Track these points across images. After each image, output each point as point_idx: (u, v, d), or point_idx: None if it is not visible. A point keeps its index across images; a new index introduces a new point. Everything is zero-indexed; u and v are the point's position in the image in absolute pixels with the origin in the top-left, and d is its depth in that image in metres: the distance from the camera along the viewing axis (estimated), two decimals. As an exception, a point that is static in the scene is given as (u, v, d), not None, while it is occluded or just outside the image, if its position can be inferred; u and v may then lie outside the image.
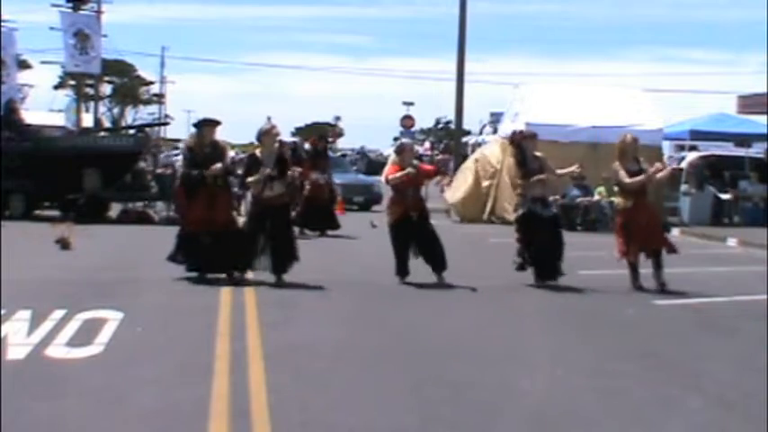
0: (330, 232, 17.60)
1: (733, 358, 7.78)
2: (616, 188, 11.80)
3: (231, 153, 20.98)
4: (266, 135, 11.21)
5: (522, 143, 11.64)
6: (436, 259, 11.25)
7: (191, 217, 11.18)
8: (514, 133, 12.33)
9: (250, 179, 10.97)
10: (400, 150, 11.73)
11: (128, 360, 6.99)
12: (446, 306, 10.04)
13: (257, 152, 11.26)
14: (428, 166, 11.60)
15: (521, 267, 11.35)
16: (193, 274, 11.03)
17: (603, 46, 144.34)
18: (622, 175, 11.19)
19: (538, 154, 11.64)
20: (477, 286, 11.22)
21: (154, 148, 29.26)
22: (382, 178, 11.72)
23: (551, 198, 13.93)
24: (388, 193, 12.31)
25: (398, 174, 11.16)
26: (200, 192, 11.01)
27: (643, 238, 11.18)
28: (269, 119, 11.49)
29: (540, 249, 11.20)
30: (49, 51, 50.48)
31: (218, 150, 11.32)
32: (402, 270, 11.28)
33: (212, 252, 10.88)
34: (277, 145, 11.40)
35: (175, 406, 5.81)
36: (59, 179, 19.54)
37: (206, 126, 11.36)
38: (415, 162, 11.55)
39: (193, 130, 11.61)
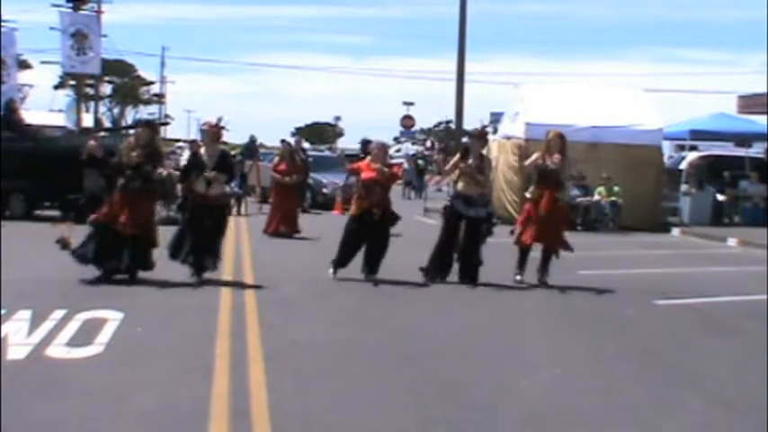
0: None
1: (733, 358, 7.78)
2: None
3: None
4: (207, 134, 11.18)
5: (470, 140, 11.92)
6: (372, 262, 11.36)
7: (104, 211, 10.79)
8: (482, 128, 12.72)
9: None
10: (370, 151, 12.04)
11: (128, 360, 6.99)
12: (446, 306, 10.04)
13: (201, 151, 11.21)
14: (395, 170, 12.01)
15: (426, 270, 11.49)
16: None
17: (603, 46, 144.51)
18: (528, 162, 11.65)
19: (485, 154, 11.90)
20: (476, 286, 11.23)
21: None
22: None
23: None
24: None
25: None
26: (120, 190, 10.73)
27: (538, 230, 11.35)
28: (219, 119, 11.25)
29: (462, 246, 11.40)
30: (49, 51, 50.50)
31: (149, 151, 10.85)
32: (341, 262, 11.39)
33: (117, 251, 10.63)
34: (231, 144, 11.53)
35: (175, 406, 5.81)
36: (59, 179, 19.51)
37: (143, 127, 11.34)
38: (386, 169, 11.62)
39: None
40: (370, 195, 11.36)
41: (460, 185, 11.48)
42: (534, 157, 11.57)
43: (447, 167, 11.79)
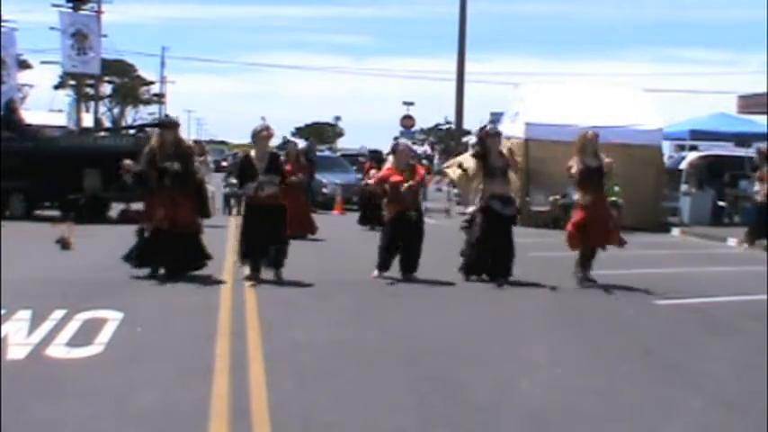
0: None
1: (733, 358, 7.78)
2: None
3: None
4: (258, 136, 11.27)
5: (486, 140, 11.82)
6: (411, 260, 11.53)
7: (150, 216, 11.10)
8: (481, 130, 12.62)
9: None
10: (395, 151, 12.03)
11: (128, 360, 6.99)
12: (446, 306, 10.04)
13: (251, 153, 11.32)
14: (421, 172, 11.95)
15: (466, 271, 11.59)
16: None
17: (603, 46, 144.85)
18: (575, 170, 11.40)
19: (504, 151, 11.86)
20: (476, 286, 11.24)
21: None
22: (371, 180, 12.05)
23: (551, 198, 13.97)
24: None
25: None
26: (159, 192, 10.96)
27: (591, 232, 11.35)
28: (263, 119, 11.58)
29: (496, 246, 11.39)
30: (49, 51, 50.57)
31: (180, 150, 11.22)
32: (385, 266, 11.59)
33: (170, 252, 10.87)
34: (274, 145, 11.60)
35: (175, 406, 5.81)
36: (59, 179, 19.53)
37: (164, 128, 11.50)
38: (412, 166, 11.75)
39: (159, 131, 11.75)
40: (402, 198, 11.48)
41: (494, 186, 11.44)
42: (573, 162, 11.42)
43: (471, 174, 11.72)
